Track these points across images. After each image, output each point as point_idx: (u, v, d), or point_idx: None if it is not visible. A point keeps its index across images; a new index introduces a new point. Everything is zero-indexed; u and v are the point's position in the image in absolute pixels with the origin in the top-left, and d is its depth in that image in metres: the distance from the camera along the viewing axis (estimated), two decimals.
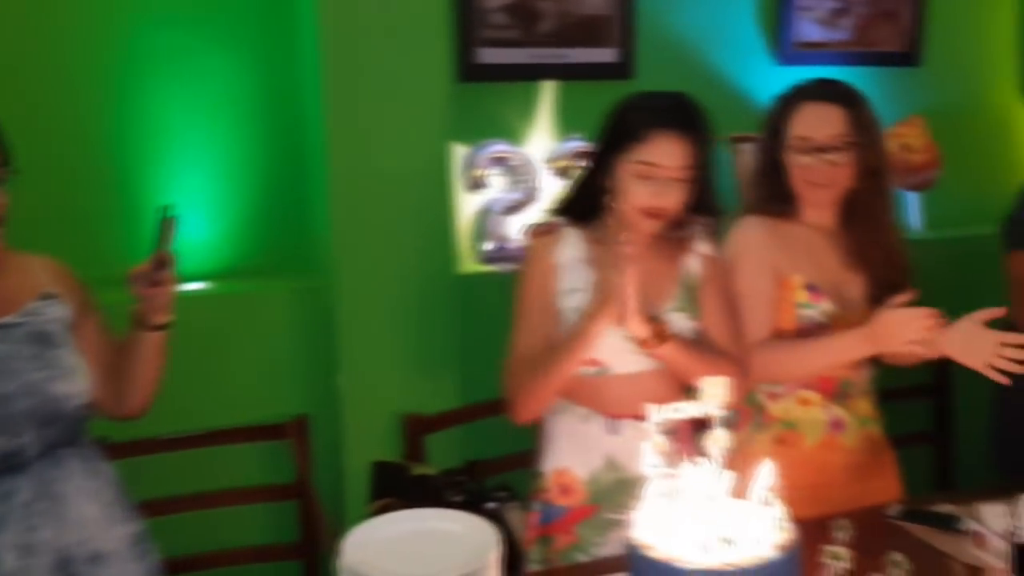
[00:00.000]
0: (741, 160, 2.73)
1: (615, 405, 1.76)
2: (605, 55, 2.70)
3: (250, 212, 2.48)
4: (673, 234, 1.79)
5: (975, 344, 1.64)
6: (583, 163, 1.87)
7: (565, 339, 1.71)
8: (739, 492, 1.27)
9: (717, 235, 1.86)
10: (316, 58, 2.22)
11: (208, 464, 2.29)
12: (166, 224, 1.54)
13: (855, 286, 1.91)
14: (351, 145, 2.23)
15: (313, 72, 2.27)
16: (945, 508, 1.75)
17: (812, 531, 1.60)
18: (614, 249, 1.63)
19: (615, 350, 1.72)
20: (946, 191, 3.01)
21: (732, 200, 2.82)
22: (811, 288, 1.86)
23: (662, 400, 1.71)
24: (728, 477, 1.27)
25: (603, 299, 1.64)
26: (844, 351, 1.81)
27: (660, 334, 1.68)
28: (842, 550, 1.47)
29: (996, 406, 2.32)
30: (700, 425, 1.33)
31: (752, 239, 1.88)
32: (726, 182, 2.89)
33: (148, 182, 2.36)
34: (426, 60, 2.27)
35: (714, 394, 1.29)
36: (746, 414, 1.94)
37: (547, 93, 2.67)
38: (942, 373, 2.87)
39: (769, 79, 3.00)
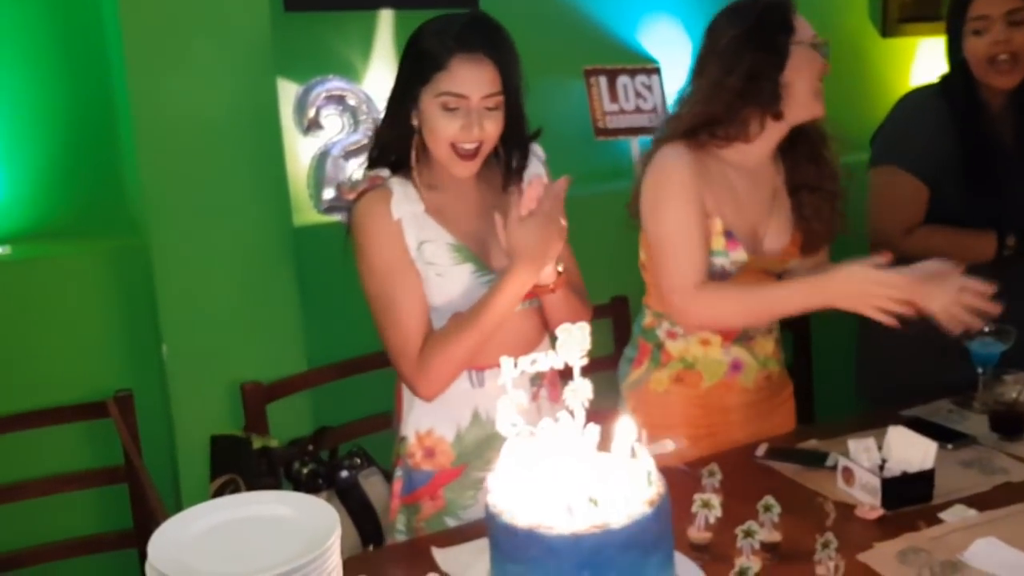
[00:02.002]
0: None
1: (483, 354, 1.61)
2: None
3: (53, 166, 2.25)
4: (503, 169, 1.67)
5: (934, 288, 1.54)
6: (386, 105, 1.68)
7: (489, 295, 1.55)
8: (606, 446, 1.16)
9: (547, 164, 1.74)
10: None
11: (23, 451, 2.09)
12: None
13: (771, 232, 1.80)
14: (155, 84, 2.00)
15: (113, 5, 2.02)
16: (811, 444, 1.72)
17: (684, 479, 1.54)
18: (552, 190, 1.52)
19: (480, 294, 1.59)
20: None
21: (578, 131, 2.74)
22: (728, 235, 1.73)
23: (530, 341, 1.66)
24: (593, 432, 1.15)
25: (550, 244, 1.51)
26: (793, 305, 1.67)
27: (560, 274, 1.60)
28: (712, 497, 1.39)
29: (863, 333, 2.29)
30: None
31: (683, 172, 1.70)
32: (579, 114, 2.78)
33: None
34: None
35: (573, 342, 1.17)
36: (644, 350, 1.86)
37: (385, 23, 2.49)
38: None
39: (623, 7, 2.89)
